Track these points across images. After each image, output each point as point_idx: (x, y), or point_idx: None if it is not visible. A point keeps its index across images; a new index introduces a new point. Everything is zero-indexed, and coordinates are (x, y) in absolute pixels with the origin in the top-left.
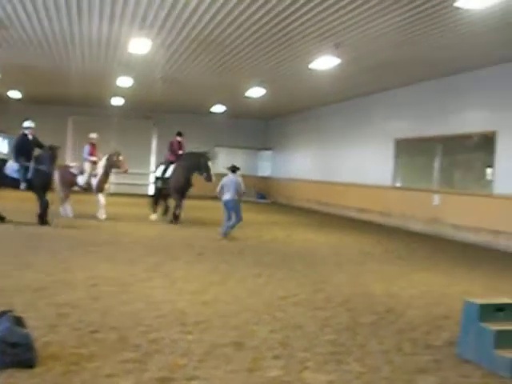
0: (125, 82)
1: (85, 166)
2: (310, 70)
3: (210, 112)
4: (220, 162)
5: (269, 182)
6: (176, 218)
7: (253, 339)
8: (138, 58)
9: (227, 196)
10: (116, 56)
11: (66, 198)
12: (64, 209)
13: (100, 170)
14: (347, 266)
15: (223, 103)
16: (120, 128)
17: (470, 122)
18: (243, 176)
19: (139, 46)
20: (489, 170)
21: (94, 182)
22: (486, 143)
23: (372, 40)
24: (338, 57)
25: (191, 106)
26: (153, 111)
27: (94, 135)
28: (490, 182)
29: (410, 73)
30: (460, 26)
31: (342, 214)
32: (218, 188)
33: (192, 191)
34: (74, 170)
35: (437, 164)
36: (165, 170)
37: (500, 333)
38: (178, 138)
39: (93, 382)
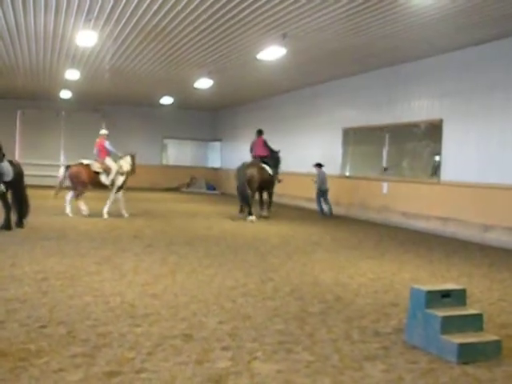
0: (73, 74)
1: (110, 163)
2: (257, 60)
3: (159, 104)
4: (169, 153)
5: (218, 173)
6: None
7: (201, 331)
8: (85, 50)
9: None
10: (63, 49)
11: (80, 196)
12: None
13: (126, 168)
14: (296, 256)
15: (171, 95)
16: (69, 121)
17: (416, 110)
18: (193, 168)
19: (86, 38)
20: (436, 158)
21: (121, 180)
22: (432, 131)
23: (318, 30)
24: (285, 47)
25: (140, 98)
26: (101, 104)
27: (105, 131)
28: (438, 169)
29: (356, 62)
30: (404, 15)
31: (292, 203)
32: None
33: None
34: (96, 169)
35: (385, 152)
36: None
37: (446, 318)
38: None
39: (41, 378)
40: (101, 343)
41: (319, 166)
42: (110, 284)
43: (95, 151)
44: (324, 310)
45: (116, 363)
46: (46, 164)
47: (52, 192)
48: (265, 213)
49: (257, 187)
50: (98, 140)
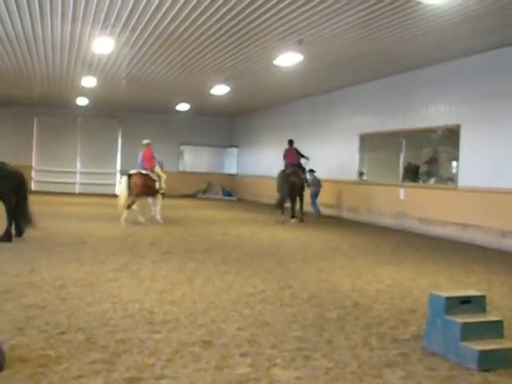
0: (89, 81)
1: (159, 171)
2: (274, 66)
3: (175, 110)
4: (186, 159)
5: (235, 179)
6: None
7: (220, 337)
8: (101, 57)
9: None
10: (80, 56)
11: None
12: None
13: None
14: (313, 262)
15: (188, 101)
16: (85, 128)
17: (433, 115)
18: (209, 174)
19: (102, 45)
20: (454, 163)
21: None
22: (450, 137)
23: (334, 36)
24: (302, 53)
25: (156, 105)
26: (118, 110)
27: (148, 140)
28: (455, 175)
29: (373, 68)
30: (421, 20)
31: (308, 209)
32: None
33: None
34: (154, 177)
35: (402, 158)
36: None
37: (466, 325)
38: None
39: None
40: (120, 349)
41: (312, 171)
42: (128, 291)
43: (140, 161)
44: (342, 317)
45: (136, 369)
46: (62, 171)
47: (115, 201)
48: (299, 216)
49: (297, 193)
50: (143, 149)
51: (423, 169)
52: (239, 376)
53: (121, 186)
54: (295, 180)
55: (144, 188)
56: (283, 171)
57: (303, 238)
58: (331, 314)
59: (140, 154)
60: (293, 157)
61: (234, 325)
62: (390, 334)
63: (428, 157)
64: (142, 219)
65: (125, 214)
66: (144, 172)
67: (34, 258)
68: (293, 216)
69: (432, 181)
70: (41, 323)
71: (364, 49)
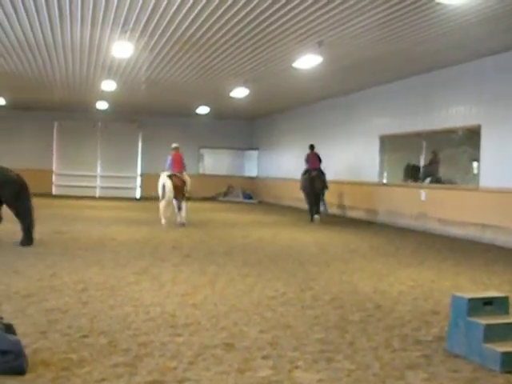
0: (109, 85)
1: (185, 174)
2: (293, 68)
3: (195, 113)
4: (206, 162)
5: (255, 182)
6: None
7: (242, 340)
8: (121, 61)
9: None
10: (99, 60)
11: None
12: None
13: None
14: (334, 264)
15: (208, 104)
16: (105, 132)
17: (454, 116)
18: (230, 177)
19: (122, 49)
20: (475, 164)
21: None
22: (471, 137)
23: (354, 37)
24: (321, 55)
25: (176, 108)
26: (137, 114)
27: (177, 144)
28: (476, 175)
29: (393, 69)
30: (441, 21)
31: (329, 211)
32: None
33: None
34: (185, 180)
35: (422, 159)
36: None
37: (489, 326)
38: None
39: None
40: (142, 353)
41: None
42: (149, 294)
43: (169, 164)
44: (364, 319)
45: (158, 372)
46: (82, 174)
47: (156, 203)
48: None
49: (319, 198)
50: (173, 153)
51: (424, 169)
52: (261, 379)
53: (162, 188)
54: (318, 185)
55: (179, 190)
56: (308, 172)
57: (324, 241)
58: (353, 316)
59: (169, 158)
60: (315, 162)
61: (255, 327)
62: (412, 335)
63: (428, 159)
64: (165, 220)
65: (166, 216)
66: (179, 175)
67: (56, 261)
68: (316, 213)
69: (427, 181)
70: (63, 327)
71: (384, 50)
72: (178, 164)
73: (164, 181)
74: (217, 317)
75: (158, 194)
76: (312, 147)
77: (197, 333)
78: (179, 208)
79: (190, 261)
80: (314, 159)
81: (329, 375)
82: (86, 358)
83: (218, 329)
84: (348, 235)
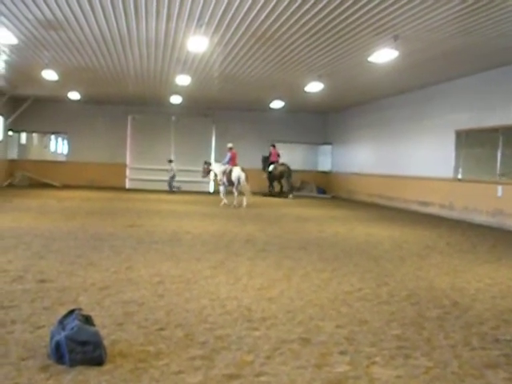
0: (183, 80)
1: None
2: (368, 63)
3: (269, 108)
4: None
5: (329, 176)
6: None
7: (319, 335)
8: (196, 55)
9: None
10: (174, 55)
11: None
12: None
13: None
14: (410, 260)
15: (282, 99)
16: (179, 126)
17: None
18: (303, 171)
19: (197, 43)
20: None
21: None
22: None
23: (430, 31)
24: (397, 49)
25: (250, 103)
26: (211, 108)
27: (231, 144)
28: None
29: (468, 63)
30: None
31: (403, 207)
32: None
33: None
34: None
35: (499, 155)
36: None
37: None
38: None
39: (161, 379)
40: (219, 346)
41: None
42: (225, 288)
43: (228, 160)
44: (441, 316)
45: (235, 366)
46: (156, 168)
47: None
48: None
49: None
50: (231, 151)
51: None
52: (338, 374)
53: (237, 179)
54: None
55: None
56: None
57: (398, 237)
58: (430, 313)
59: (228, 155)
60: (275, 156)
61: (332, 323)
62: (491, 334)
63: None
64: (226, 201)
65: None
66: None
67: (132, 254)
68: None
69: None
70: (140, 319)
71: (460, 43)
72: (234, 160)
73: (238, 174)
74: (293, 311)
75: (221, 181)
76: (273, 145)
77: (273, 327)
78: (241, 193)
79: (265, 255)
80: (274, 154)
81: (406, 372)
82: (163, 350)
83: (295, 323)
84: (423, 231)
